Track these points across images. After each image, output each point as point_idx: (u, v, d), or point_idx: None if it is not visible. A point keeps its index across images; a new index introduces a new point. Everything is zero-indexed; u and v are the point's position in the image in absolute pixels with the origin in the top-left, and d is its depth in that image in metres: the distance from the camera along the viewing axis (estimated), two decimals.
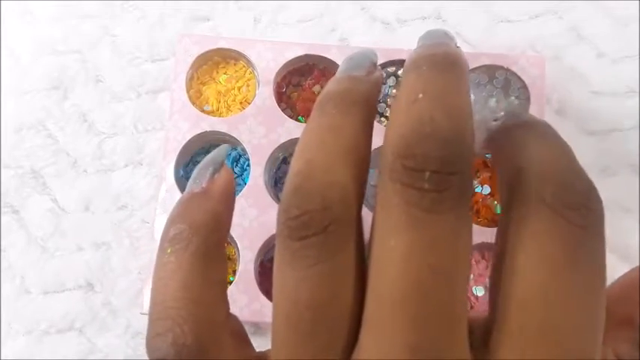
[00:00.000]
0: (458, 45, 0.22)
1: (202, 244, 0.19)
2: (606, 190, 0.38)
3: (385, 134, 0.18)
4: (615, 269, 0.35)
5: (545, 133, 0.20)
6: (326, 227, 0.17)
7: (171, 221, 0.20)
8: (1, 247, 0.38)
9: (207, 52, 0.38)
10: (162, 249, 0.19)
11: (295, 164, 0.18)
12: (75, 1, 0.42)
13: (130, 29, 0.42)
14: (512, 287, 0.16)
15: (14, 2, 0.43)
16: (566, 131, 0.38)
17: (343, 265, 0.17)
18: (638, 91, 0.38)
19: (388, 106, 0.36)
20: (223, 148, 0.23)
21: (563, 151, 0.19)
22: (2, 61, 0.42)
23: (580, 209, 0.17)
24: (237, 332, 0.19)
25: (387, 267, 0.16)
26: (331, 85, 0.20)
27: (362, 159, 0.18)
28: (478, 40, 0.40)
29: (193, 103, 0.38)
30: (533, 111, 0.35)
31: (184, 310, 0.18)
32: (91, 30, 0.42)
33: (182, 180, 0.38)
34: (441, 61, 0.19)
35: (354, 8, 0.41)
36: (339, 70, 0.21)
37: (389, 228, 0.17)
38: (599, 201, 0.17)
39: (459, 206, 0.16)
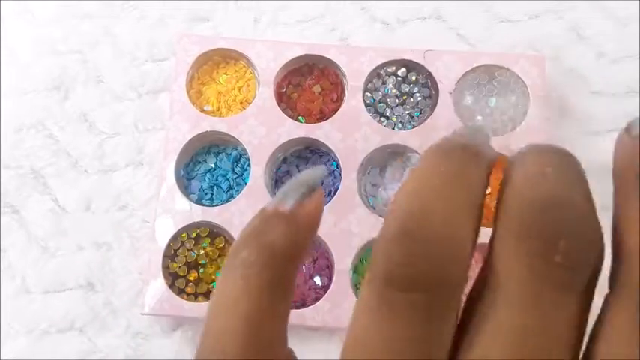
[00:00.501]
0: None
1: (276, 274, 0.17)
2: (606, 190, 0.38)
3: (510, 199, 0.16)
4: None
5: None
6: (434, 287, 0.15)
7: (247, 237, 0.17)
8: (1, 247, 0.38)
9: (207, 52, 0.38)
10: (232, 267, 0.17)
11: (406, 202, 0.16)
12: (75, 1, 0.42)
13: (130, 29, 0.42)
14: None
15: (14, 2, 0.43)
16: (566, 131, 0.38)
17: (443, 331, 0.15)
18: (638, 91, 0.38)
19: (388, 105, 0.37)
20: (321, 170, 0.19)
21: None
22: (2, 61, 0.42)
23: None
24: None
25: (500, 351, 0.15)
26: (455, 136, 0.18)
27: (481, 217, 0.17)
28: (478, 40, 0.40)
29: (193, 103, 0.38)
30: (534, 111, 0.35)
31: (241, 348, 0.16)
32: (91, 30, 0.42)
33: (182, 180, 0.38)
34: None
35: (354, 8, 0.41)
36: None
37: (510, 303, 0.15)
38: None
39: (584, 290, 0.15)
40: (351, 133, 0.36)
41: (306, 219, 0.18)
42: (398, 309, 0.15)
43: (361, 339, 0.15)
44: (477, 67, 0.36)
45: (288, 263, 0.17)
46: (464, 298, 0.16)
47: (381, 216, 0.35)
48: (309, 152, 0.38)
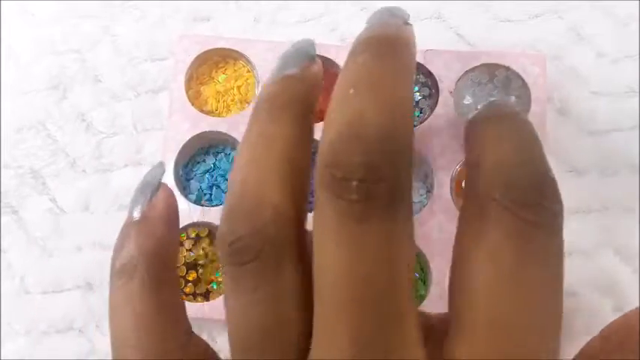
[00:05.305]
0: (408, 22, 0.19)
1: (148, 271, 0.19)
2: (606, 190, 0.38)
3: (321, 137, 0.17)
4: (616, 270, 0.35)
5: (510, 125, 0.18)
6: (259, 251, 0.16)
7: (116, 252, 0.20)
8: (1, 247, 0.38)
9: (206, 51, 0.38)
10: (112, 282, 0.19)
11: (230, 182, 0.18)
12: (75, 1, 0.42)
13: (130, 29, 0.42)
14: (463, 285, 0.16)
15: (14, 2, 0.43)
16: (566, 131, 0.38)
17: (284, 285, 0.16)
18: (638, 91, 0.38)
19: None
20: (159, 167, 0.21)
21: (522, 145, 0.17)
22: (2, 61, 0.42)
23: (533, 206, 0.16)
24: (201, 352, 0.19)
25: (326, 282, 0.16)
26: (264, 88, 0.19)
27: (298, 169, 0.17)
28: (478, 40, 0.40)
29: (192, 103, 0.38)
30: (535, 110, 0.35)
31: (137, 347, 0.18)
32: (91, 30, 0.42)
33: (181, 180, 0.38)
34: (378, 44, 0.17)
35: (354, 8, 0.41)
36: (273, 69, 0.20)
37: (324, 240, 0.16)
38: (554, 199, 0.16)
39: (390, 212, 0.15)
40: None
41: (159, 216, 0.19)
42: (240, 283, 0.17)
43: (228, 313, 0.17)
44: (478, 66, 0.36)
45: (156, 259, 0.19)
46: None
47: None
48: None
